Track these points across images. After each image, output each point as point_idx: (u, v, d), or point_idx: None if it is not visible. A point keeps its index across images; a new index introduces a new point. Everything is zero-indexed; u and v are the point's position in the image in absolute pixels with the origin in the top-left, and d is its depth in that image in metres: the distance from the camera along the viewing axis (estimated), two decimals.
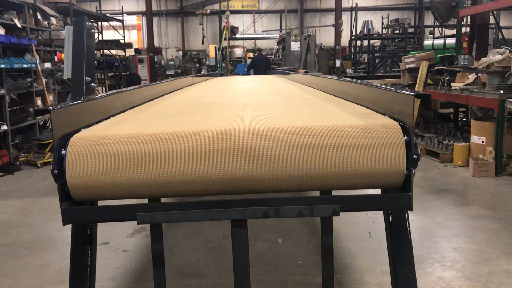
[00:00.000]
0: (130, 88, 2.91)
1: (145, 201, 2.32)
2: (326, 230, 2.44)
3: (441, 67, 8.37)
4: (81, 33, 2.08)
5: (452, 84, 7.55)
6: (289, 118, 2.06)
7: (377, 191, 2.05)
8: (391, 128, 1.77)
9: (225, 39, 18.30)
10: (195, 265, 3.67)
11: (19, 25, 7.96)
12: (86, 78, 2.09)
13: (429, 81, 8.36)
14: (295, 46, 16.83)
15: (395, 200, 1.79)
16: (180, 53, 26.91)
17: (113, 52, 21.12)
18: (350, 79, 2.93)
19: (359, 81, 2.78)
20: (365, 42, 18.51)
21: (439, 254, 3.72)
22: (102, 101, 2.25)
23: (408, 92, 1.78)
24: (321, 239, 2.42)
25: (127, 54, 21.77)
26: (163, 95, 3.52)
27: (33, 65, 8.19)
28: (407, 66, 9.03)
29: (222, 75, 13.08)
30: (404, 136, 1.74)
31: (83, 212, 1.77)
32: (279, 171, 1.71)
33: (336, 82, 3.24)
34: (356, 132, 1.76)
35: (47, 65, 9.20)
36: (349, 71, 18.27)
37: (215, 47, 15.87)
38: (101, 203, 1.99)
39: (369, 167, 1.71)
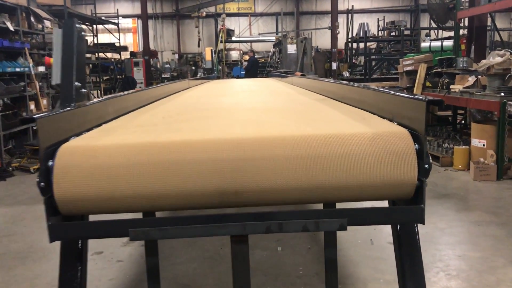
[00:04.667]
0: (123, 93, 2.79)
1: (139, 215, 2.20)
2: (330, 242, 2.33)
3: (440, 70, 8.29)
4: (70, 36, 1.97)
5: (451, 86, 7.47)
6: (291, 126, 1.95)
7: (384, 203, 1.95)
8: (401, 136, 1.66)
9: (221, 42, 18.20)
10: (192, 276, 3.54)
11: (11, 28, 7.83)
12: (76, 83, 1.97)
13: (427, 84, 8.28)
14: (291, 49, 16.75)
15: (406, 213, 1.68)
16: (176, 56, 26.81)
17: (109, 55, 21.00)
18: (351, 83, 2.82)
19: (362, 84, 2.68)
20: (362, 45, 18.47)
21: (444, 263, 3.62)
22: (93, 108, 2.13)
23: (420, 97, 1.67)
24: (325, 251, 2.32)
25: (123, 57, 21.65)
26: (158, 100, 3.40)
27: (26, 69, 8.06)
28: (405, 69, 8.95)
29: (218, 78, 12.97)
30: (415, 145, 1.63)
31: (71, 228, 1.65)
32: (282, 183, 1.60)
33: (338, 87, 3.13)
34: (363, 140, 1.65)
35: (41, 68, 9.05)
36: (345, 73, 18.22)
37: (211, 50, 15.76)
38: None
39: (378, 178, 1.60)
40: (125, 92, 2.85)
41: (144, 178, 1.59)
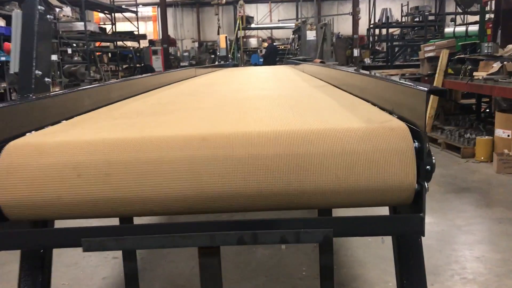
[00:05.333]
0: (108, 82, 2.59)
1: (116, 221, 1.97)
2: (326, 247, 2.10)
3: (462, 56, 7.88)
4: (31, 19, 1.76)
5: (474, 73, 7.07)
6: (277, 118, 1.71)
7: (380, 210, 1.70)
8: (398, 131, 1.41)
9: (238, 29, 17.93)
10: (188, 276, 3.35)
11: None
12: (37, 72, 1.77)
13: (449, 71, 7.88)
14: (311, 35, 16.39)
15: (402, 223, 1.43)
16: (196, 44, 26.66)
17: (128, 44, 20.96)
18: (351, 70, 2.56)
19: (365, 72, 2.41)
20: (384, 31, 17.97)
21: (460, 265, 3.34)
22: (59, 99, 1.93)
23: (419, 86, 1.42)
24: (320, 258, 2.08)
25: (142, 46, 21.60)
26: (149, 91, 3.18)
27: None
28: (426, 55, 8.56)
29: (235, 65, 12.70)
30: (414, 142, 1.38)
31: (16, 237, 1.46)
32: (259, 186, 1.37)
33: (342, 73, 2.87)
34: (354, 136, 1.40)
35: (53, 57, 8.96)
36: (367, 60, 17.77)
37: (226, 37, 15.51)
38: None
39: (368, 181, 1.36)
40: (111, 81, 2.65)
41: (103, 180, 1.39)
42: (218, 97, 2.67)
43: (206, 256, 1.45)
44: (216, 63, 16.53)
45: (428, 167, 1.37)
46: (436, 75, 7.97)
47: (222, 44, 14.87)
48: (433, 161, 1.39)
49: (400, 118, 1.54)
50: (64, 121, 1.89)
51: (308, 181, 1.37)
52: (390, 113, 1.67)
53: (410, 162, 1.36)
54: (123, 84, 2.77)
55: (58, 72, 9.33)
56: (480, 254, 3.50)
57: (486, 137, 6.52)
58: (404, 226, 1.41)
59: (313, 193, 1.39)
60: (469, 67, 7.31)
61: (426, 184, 1.37)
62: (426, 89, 1.34)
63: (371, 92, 2.02)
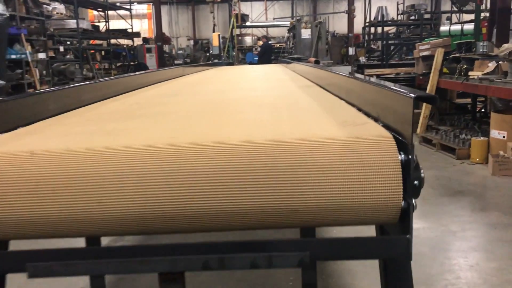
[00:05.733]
0: (78, 84, 2.43)
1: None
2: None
3: (458, 55, 7.74)
4: None
5: (470, 73, 6.93)
6: (253, 128, 1.55)
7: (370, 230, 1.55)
8: (382, 142, 1.26)
9: (232, 27, 17.76)
10: None
11: (7, 14, 7.53)
12: None
13: (444, 70, 7.74)
14: (305, 33, 16.22)
15: (386, 246, 1.28)
16: (191, 42, 26.47)
17: (122, 41, 20.75)
18: (337, 72, 2.41)
19: (351, 74, 2.26)
20: (379, 29, 17.84)
21: (454, 274, 3.19)
22: (15, 104, 1.76)
23: (405, 92, 1.27)
24: (302, 277, 1.93)
25: (136, 44, 21.39)
26: (130, 91, 3.01)
27: (23, 56, 7.77)
28: (421, 54, 8.42)
29: (230, 64, 12.52)
30: (400, 154, 1.23)
31: None
32: (229, 203, 1.22)
33: (329, 74, 2.72)
34: (335, 148, 1.25)
35: (41, 55, 8.77)
36: (362, 59, 17.61)
37: (219, 35, 15.35)
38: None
39: (351, 198, 1.21)
40: (82, 83, 2.49)
41: (47, 194, 1.24)
42: (199, 99, 2.52)
43: (167, 282, 1.30)
44: (210, 62, 16.36)
45: (415, 182, 1.22)
46: (431, 74, 7.83)
47: (215, 42, 14.71)
48: (422, 175, 1.24)
49: (386, 126, 1.39)
50: (21, 127, 1.74)
51: (283, 197, 1.22)
52: (376, 120, 1.52)
53: (394, 177, 1.22)
54: (97, 86, 2.62)
55: (47, 71, 9.14)
56: (474, 262, 3.36)
57: (482, 138, 6.38)
58: (389, 249, 1.27)
59: (289, 211, 1.25)
60: (465, 66, 7.17)
61: (414, 201, 1.23)
62: (413, 95, 1.19)
63: (357, 96, 1.87)
